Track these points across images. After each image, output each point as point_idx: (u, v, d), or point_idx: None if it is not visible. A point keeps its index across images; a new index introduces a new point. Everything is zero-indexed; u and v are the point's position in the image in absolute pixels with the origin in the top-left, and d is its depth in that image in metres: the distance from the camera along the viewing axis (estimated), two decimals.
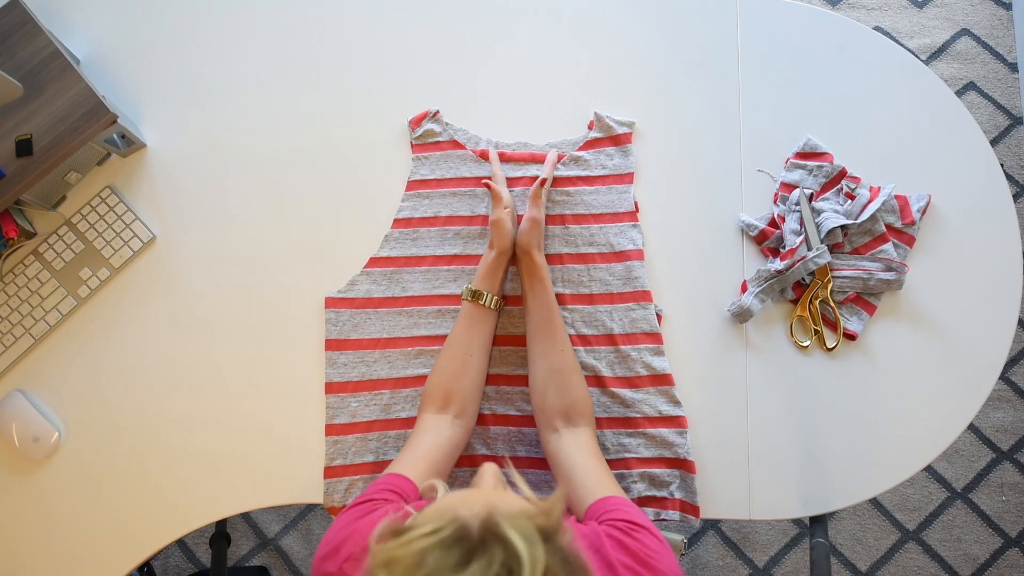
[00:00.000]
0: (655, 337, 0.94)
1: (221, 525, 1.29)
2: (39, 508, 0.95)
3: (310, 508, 1.61)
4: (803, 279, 0.94)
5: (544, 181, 0.92)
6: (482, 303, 0.90)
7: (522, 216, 0.93)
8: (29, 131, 0.91)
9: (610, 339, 0.94)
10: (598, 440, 0.91)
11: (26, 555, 0.94)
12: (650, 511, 0.89)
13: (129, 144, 1.01)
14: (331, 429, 0.94)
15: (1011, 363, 1.67)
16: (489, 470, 0.65)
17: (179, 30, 1.06)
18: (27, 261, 0.99)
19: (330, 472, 0.93)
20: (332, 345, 0.96)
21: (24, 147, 0.91)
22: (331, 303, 0.97)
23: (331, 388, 0.95)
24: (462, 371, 0.88)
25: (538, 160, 1.00)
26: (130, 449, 0.95)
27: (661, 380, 0.93)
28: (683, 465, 0.90)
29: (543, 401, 0.85)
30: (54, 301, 0.98)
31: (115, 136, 0.98)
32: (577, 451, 0.80)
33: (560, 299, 0.95)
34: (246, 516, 1.64)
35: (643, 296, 0.95)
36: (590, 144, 1.00)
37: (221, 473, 0.95)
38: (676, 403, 0.92)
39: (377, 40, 1.05)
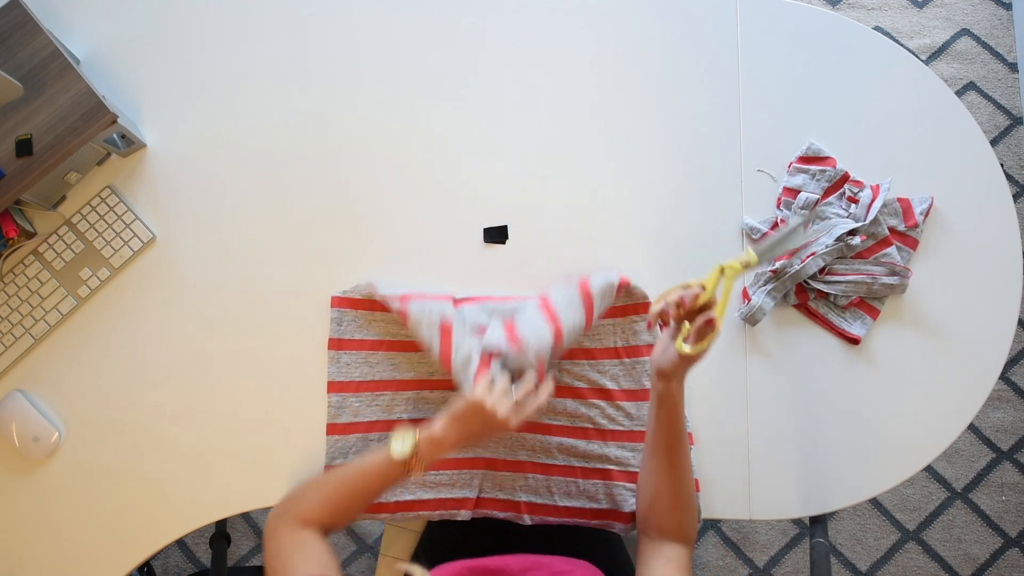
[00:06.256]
0: None
1: (221, 525, 1.29)
2: (39, 508, 0.95)
3: None
4: (806, 282, 0.94)
5: (712, 321, 0.73)
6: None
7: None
8: (29, 131, 0.91)
9: (614, 352, 0.94)
10: (601, 452, 0.91)
11: (26, 555, 0.94)
12: None
13: (129, 144, 1.01)
14: (333, 428, 0.94)
15: (1011, 363, 1.67)
16: None
17: (180, 30, 1.06)
18: (27, 261, 0.99)
19: (330, 471, 0.93)
20: (335, 344, 0.96)
21: (24, 147, 0.91)
22: (337, 302, 0.97)
23: (333, 387, 0.95)
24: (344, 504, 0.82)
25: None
26: (130, 449, 0.95)
27: None
28: None
29: (646, 513, 0.83)
30: (54, 301, 0.98)
31: (115, 136, 0.98)
32: (659, 562, 0.78)
33: None
34: (246, 516, 1.64)
35: (645, 308, 0.94)
36: None
37: (221, 473, 0.95)
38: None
39: (375, 41, 1.05)
